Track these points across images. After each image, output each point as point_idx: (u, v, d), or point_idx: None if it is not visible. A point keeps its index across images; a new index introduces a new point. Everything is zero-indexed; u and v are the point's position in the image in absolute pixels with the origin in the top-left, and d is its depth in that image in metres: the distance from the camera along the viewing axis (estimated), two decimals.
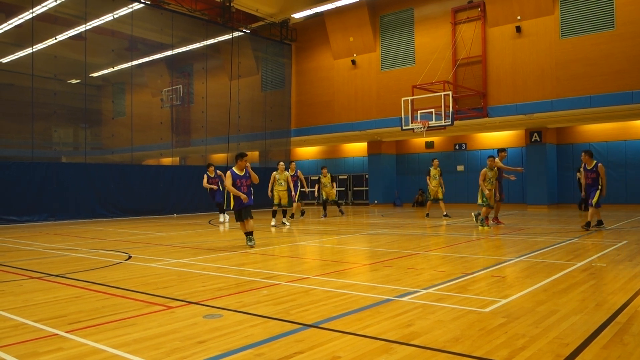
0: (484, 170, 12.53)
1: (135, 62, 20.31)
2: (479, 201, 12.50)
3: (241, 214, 9.27)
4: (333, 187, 17.69)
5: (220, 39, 23.36)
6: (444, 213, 16.28)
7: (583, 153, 11.44)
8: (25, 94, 16.78)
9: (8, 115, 17.41)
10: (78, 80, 19.75)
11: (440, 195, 16.32)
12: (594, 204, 11.10)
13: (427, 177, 16.42)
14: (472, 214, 13.35)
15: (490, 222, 12.74)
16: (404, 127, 18.81)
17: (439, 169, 16.38)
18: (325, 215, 17.58)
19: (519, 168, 13.78)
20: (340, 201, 18.27)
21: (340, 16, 23.57)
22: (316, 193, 17.96)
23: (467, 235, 10.85)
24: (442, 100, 17.41)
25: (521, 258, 7.39)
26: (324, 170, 17.77)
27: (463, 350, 3.34)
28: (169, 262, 7.55)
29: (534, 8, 18.95)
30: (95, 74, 21.29)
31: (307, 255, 8.53)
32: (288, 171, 15.02)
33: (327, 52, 25.01)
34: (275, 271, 6.64)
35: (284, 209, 14.86)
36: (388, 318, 4.17)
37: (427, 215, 16.70)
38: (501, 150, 13.36)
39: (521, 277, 5.92)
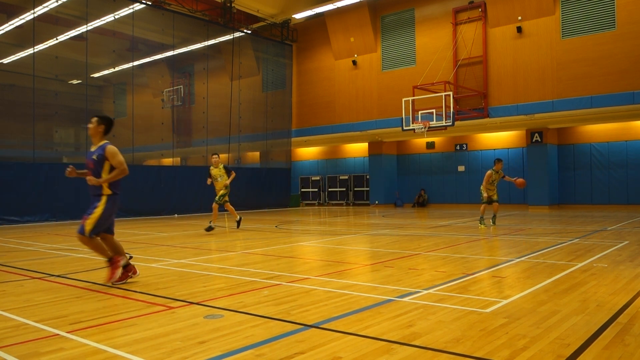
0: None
1: (136, 63, 20.32)
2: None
3: None
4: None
5: (221, 40, 23.38)
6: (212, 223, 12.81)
7: None
8: (27, 95, 16.80)
9: (9, 116, 17.43)
10: (79, 81, 19.77)
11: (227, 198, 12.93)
12: (87, 232, 5.74)
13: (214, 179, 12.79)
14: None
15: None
16: (404, 128, 18.81)
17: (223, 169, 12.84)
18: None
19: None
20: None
21: (341, 16, 23.58)
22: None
23: (468, 236, 10.84)
24: (443, 101, 17.41)
25: (522, 258, 7.38)
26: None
27: (464, 350, 3.34)
28: (170, 263, 7.56)
29: (534, 8, 18.95)
30: (96, 75, 21.31)
31: (308, 256, 8.53)
32: None
33: (328, 53, 25.02)
34: (276, 271, 6.64)
35: None
36: (389, 318, 4.17)
37: (210, 228, 12.54)
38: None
39: (522, 278, 5.91)
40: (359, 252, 8.90)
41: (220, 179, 12.60)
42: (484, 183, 12.82)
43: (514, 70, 19.57)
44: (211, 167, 12.74)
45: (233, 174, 12.62)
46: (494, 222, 13.01)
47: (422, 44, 21.93)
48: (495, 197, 12.84)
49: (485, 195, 12.72)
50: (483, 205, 12.88)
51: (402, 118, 18.77)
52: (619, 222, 13.68)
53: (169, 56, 21.90)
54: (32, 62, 16.86)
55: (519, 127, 21.59)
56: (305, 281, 5.90)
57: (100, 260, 8.02)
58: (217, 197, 12.72)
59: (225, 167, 12.69)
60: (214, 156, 12.72)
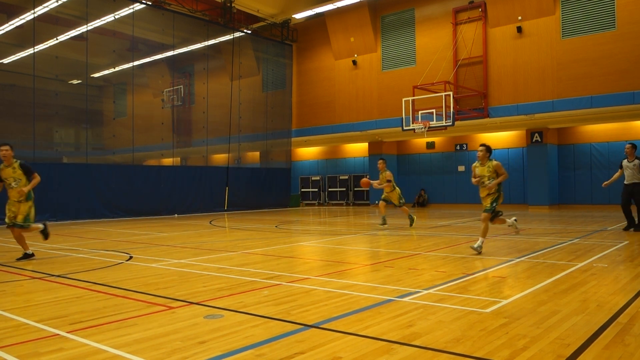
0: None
1: (136, 63, 20.32)
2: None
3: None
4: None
5: (221, 40, 23.38)
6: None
7: None
8: (27, 95, 16.80)
9: (9, 116, 17.42)
10: (79, 81, 19.77)
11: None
12: None
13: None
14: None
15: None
16: (404, 128, 18.80)
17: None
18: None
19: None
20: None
21: (341, 16, 23.58)
22: None
23: (468, 236, 10.84)
24: (443, 101, 17.40)
25: (522, 258, 7.38)
26: None
27: (464, 350, 3.34)
28: (170, 263, 7.56)
29: (535, 8, 18.94)
30: (96, 75, 21.32)
31: (308, 256, 8.53)
32: None
33: (328, 53, 25.01)
34: (276, 271, 6.64)
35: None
36: (389, 318, 4.17)
37: (23, 257, 8.54)
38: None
39: (522, 278, 5.91)
40: (359, 252, 8.90)
41: (16, 184, 8.07)
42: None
43: (514, 70, 19.56)
44: (1, 166, 8.20)
45: (36, 178, 8.22)
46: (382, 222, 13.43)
47: (422, 44, 21.92)
48: (389, 199, 13.63)
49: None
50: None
51: (402, 118, 18.77)
52: (619, 222, 13.68)
53: (169, 56, 21.91)
54: (32, 62, 16.85)
55: (519, 127, 21.58)
56: (305, 281, 5.90)
57: (101, 260, 8.00)
58: (20, 219, 8.13)
59: (23, 166, 8.21)
60: (4, 147, 8.20)
